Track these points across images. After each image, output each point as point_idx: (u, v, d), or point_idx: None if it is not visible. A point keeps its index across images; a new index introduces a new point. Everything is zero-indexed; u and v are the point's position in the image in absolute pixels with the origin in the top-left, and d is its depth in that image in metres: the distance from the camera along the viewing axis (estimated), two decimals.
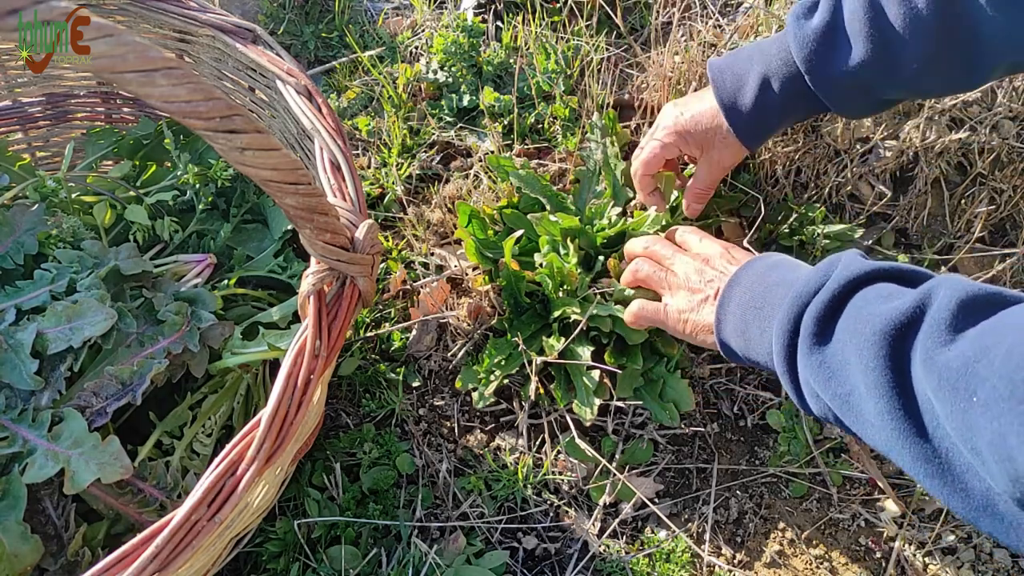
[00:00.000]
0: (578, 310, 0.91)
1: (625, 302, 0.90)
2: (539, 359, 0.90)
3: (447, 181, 1.16)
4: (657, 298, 0.85)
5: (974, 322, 0.47)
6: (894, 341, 0.51)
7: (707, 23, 1.19)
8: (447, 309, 1.02)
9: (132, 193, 0.97)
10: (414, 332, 1.01)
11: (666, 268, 0.84)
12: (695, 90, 1.07)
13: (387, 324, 1.03)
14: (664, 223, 0.95)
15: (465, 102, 1.21)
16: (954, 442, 0.47)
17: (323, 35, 1.40)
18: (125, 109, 1.08)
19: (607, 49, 1.20)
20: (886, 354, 0.50)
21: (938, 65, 0.70)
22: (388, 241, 1.11)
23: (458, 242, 1.09)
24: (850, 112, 0.80)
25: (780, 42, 0.77)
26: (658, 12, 1.23)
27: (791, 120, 0.84)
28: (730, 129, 0.83)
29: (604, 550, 0.87)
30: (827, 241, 0.99)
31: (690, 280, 0.80)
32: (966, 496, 0.47)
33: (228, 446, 0.55)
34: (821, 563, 0.87)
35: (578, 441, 0.92)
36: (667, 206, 0.97)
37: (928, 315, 0.50)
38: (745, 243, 0.87)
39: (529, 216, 0.98)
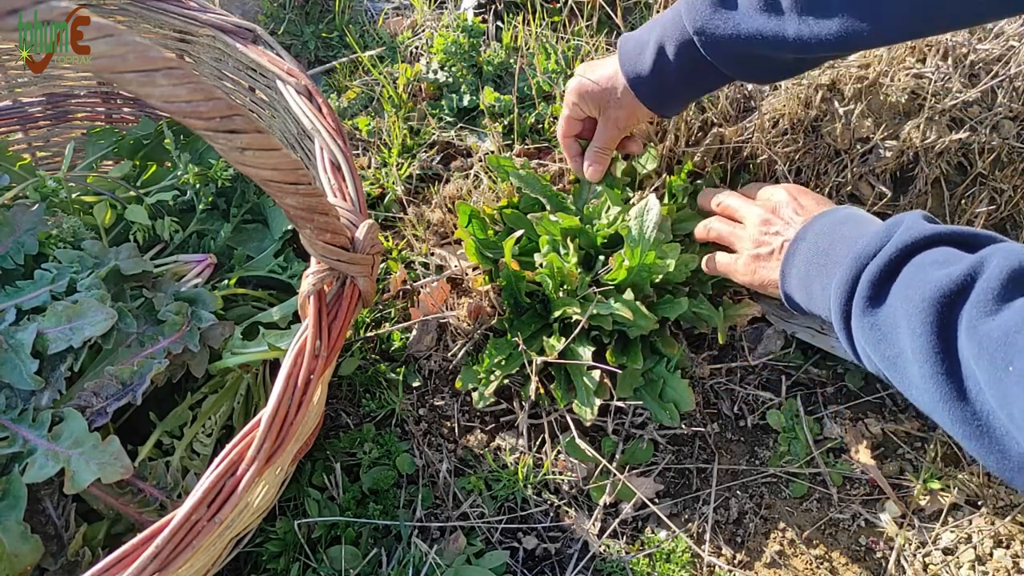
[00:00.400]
0: (578, 310, 0.91)
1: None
2: (539, 359, 0.90)
3: (447, 181, 1.16)
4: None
5: (1022, 293, 0.49)
6: (942, 308, 0.52)
7: None
8: (447, 309, 1.02)
9: (132, 193, 0.97)
10: (414, 332, 1.01)
11: (735, 223, 0.89)
12: None
13: (387, 324, 1.03)
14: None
15: (465, 102, 1.21)
16: (993, 407, 0.48)
17: (323, 35, 1.40)
18: (125, 109, 1.08)
19: (607, 49, 1.20)
20: (933, 320, 0.52)
21: (822, 24, 0.69)
22: (388, 241, 1.11)
23: (458, 242, 1.09)
24: (750, 78, 0.82)
25: (675, 8, 0.79)
26: (658, 12, 1.23)
27: (698, 87, 0.85)
28: (627, 88, 0.86)
29: (604, 550, 0.87)
30: None
31: (757, 234, 0.83)
32: (1004, 457, 0.49)
33: (228, 446, 0.55)
34: (821, 563, 0.87)
35: (578, 441, 0.92)
36: (604, 170, 1.00)
37: (978, 284, 0.51)
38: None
39: (529, 216, 0.98)
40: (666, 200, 1.01)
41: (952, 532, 0.88)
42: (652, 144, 1.10)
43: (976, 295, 0.50)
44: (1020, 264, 0.50)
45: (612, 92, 0.88)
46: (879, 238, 0.63)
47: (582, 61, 1.20)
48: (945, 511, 0.89)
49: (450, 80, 1.23)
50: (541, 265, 0.95)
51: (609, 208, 1.00)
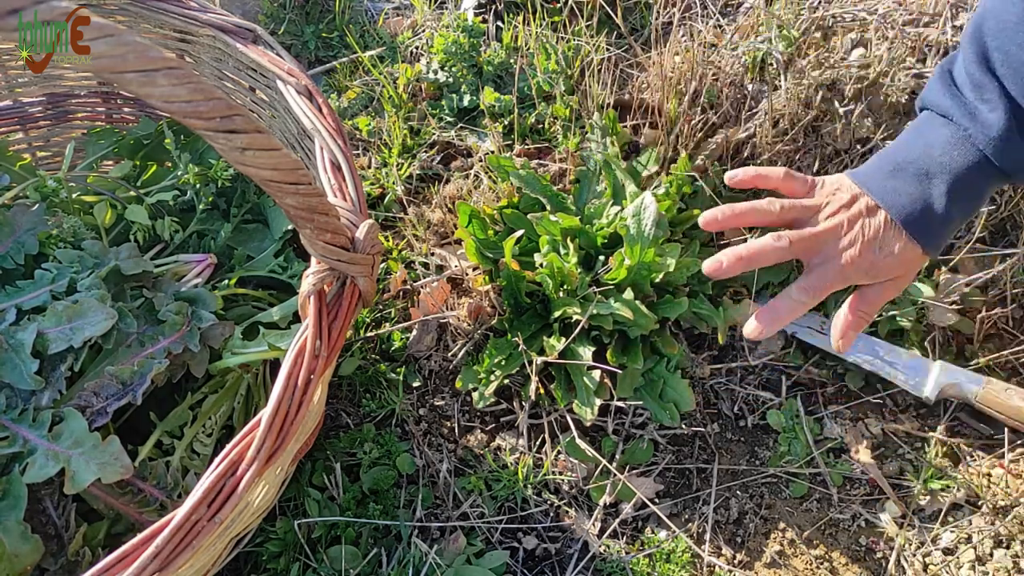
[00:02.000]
0: (578, 310, 0.91)
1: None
2: (539, 359, 0.90)
3: (447, 181, 1.16)
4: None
5: None
6: None
7: (707, 23, 1.19)
8: (447, 309, 1.02)
9: (132, 193, 0.97)
10: (414, 332, 1.01)
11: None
12: (695, 90, 1.07)
13: (387, 324, 1.03)
14: None
15: (465, 102, 1.21)
16: None
17: (323, 35, 1.40)
18: (126, 109, 1.08)
19: (607, 49, 1.20)
20: None
21: None
22: (388, 241, 1.11)
23: (458, 242, 1.09)
24: None
25: (960, 146, 0.68)
26: (658, 12, 1.23)
27: (971, 214, 0.74)
28: (912, 245, 0.70)
29: (604, 550, 0.87)
30: None
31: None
32: None
33: (228, 446, 0.55)
34: (821, 563, 0.87)
35: (578, 441, 0.92)
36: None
37: None
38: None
39: (529, 216, 0.98)
40: (667, 200, 1.01)
41: (952, 532, 0.88)
42: (653, 145, 1.10)
43: None
44: None
45: (912, 263, 0.72)
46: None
47: (582, 61, 1.20)
48: (945, 511, 0.89)
49: (450, 80, 1.23)
50: (541, 265, 0.95)
51: (609, 208, 1.00)
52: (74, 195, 0.95)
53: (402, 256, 1.09)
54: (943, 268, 1.01)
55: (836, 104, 1.04)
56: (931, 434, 0.94)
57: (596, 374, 0.91)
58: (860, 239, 0.70)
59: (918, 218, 0.69)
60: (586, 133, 1.11)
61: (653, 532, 0.90)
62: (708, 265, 0.72)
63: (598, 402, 0.89)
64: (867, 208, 0.71)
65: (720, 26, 1.20)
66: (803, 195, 0.76)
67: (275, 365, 0.86)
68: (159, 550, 0.50)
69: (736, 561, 0.88)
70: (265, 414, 0.55)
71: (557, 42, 1.23)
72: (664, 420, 0.91)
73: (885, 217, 0.70)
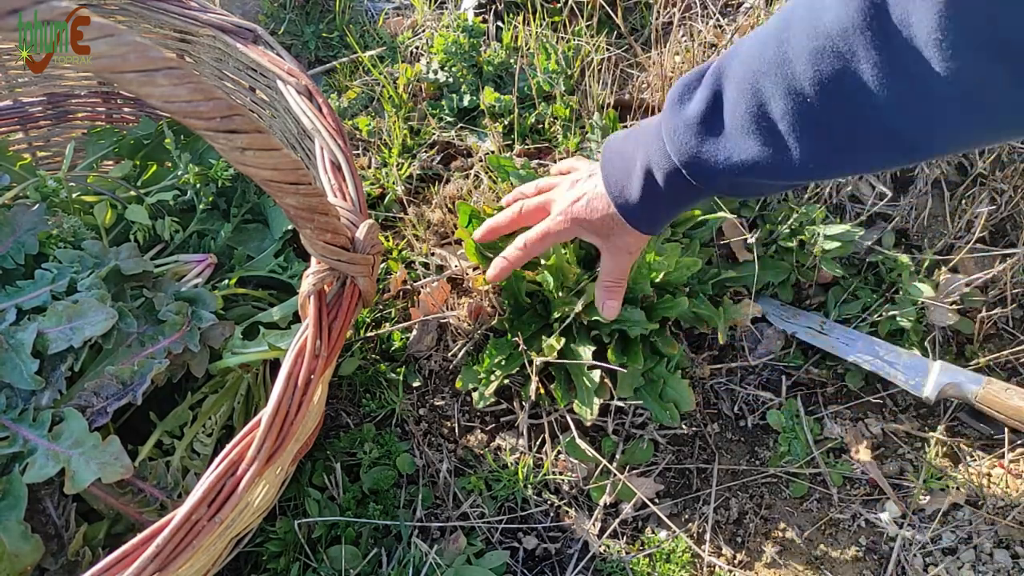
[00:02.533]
0: (579, 309, 0.91)
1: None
2: (539, 359, 0.90)
3: (447, 181, 1.16)
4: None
5: None
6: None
7: (708, 23, 1.19)
8: (447, 309, 1.02)
9: (133, 193, 0.97)
10: (414, 332, 1.01)
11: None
12: None
13: (387, 324, 1.03)
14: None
15: (465, 102, 1.21)
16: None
17: (324, 35, 1.40)
18: (126, 109, 1.08)
19: (608, 49, 1.20)
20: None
21: (836, 167, 0.61)
22: (388, 241, 1.11)
23: (458, 242, 1.09)
24: (743, 198, 0.78)
25: (657, 130, 0.70)
26: (659, 12, 1.23)
27: (687, 205, 0.76)
28: (623, 219, 0.77)
29: (604, 550, 0.87)
30: (827, 241, 0.99)
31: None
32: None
33: (228, 446, 0.55)
34: (822, 563, 0.87)
35: (578, 441, 0.92)
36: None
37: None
38: (746, 243, 0.87)
39: None
40: None
41: (952, 532, 0.88)
42: None
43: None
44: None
45: (615, 217, 0.78)
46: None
47: (582, 61, 1.20)
48: (945, 511, 0.89)
49: (450, 80, 1.23)
50: (541, 264, 0.95)
51: None
52: (74, 195, 0.95)
53: (402, 256, 1.09)
54: (943, 268, 1.01)
55: None
56: (931, 434, 0.94)
57: (596, 374, 0.91)
58: (574, 195, 0.82)
59: (621, 193, 0.76)
60: (586, 133, 1.11)
61: (653, 532, 0.90)
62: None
63: (598, 402, 0.89)
64: (591, 173, 0.82)
65: (720, 26, 1.20)
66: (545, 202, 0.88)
67: (275, 365, 0.86)
68: (159, 550, 0.50)
69: (736, 561, 0.88)
70: (265, 414, 0.55)
71: (557, 42, 1.23)
72: (664, 420, 0.91)
73: (600, 182, 0.79)
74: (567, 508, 0.91)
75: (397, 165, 1.17)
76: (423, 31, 1.35)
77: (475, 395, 0.94)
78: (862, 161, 0.59)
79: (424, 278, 1.06)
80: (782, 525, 0.90)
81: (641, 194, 0.73)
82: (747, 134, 0.60)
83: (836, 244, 0.99)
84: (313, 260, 0.62)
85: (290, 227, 0.96)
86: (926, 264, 1.01)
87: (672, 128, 0.66)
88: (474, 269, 1.04)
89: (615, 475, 0.90)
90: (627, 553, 0.87)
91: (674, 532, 0.88)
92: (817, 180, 0.67)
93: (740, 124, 0.61)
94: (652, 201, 0.74)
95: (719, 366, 1.00)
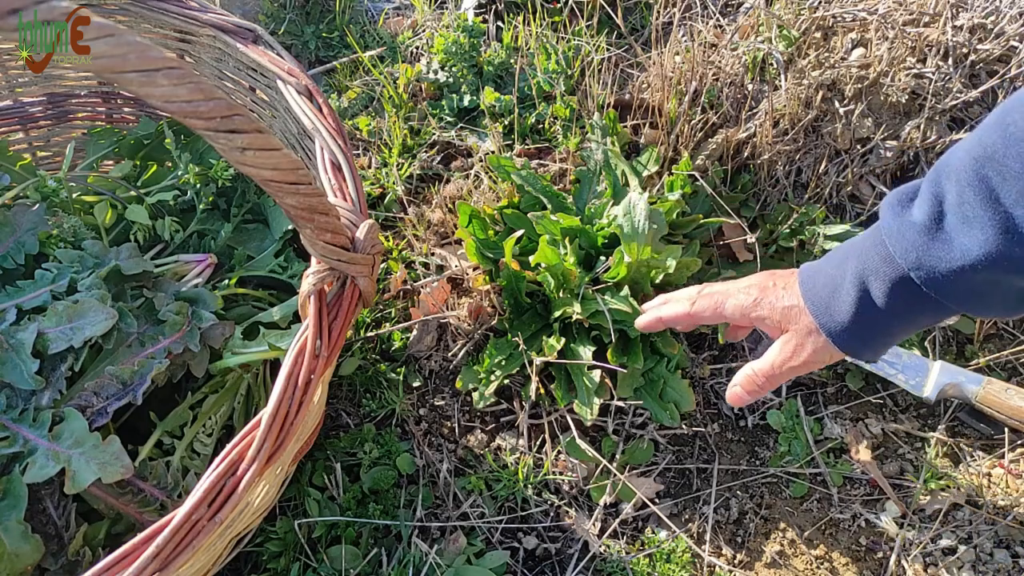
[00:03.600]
0: (579, 309, 0.91)
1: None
2: (539, 359, 0.90)
3: (448, 181, 1.16)
4: None
5: None
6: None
7: (708, 23, 1.19)
8: (447, 309, 1.02)
9: (133, 193, 0.97)
10: (414, 332, 1.01)
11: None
12: (695, 90, 1.07)
13: (387, 324, 1.03)
14: None
15: (466, 102, 1.21)
16: None
17: (324, 35, 1.40)
18: (126, 109, 1.08)
19: (608, 49, 1.20)
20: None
21: None
22: (388, 241, 1.11)
23: (459, 242, 1.09)
24: (992, 311, 0.62)
25: (875, 235, 0.63)
26: (659, 12, 1.23)
27: (912, 327, 0.66)
28: (817, 332, 0.67)
29: (604, 550, 0.87)
30: (828, 242, 0.99)
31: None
32: None
33: (228, 446, 0.55)
34: (821, 563, 0.87)
35: (578, 441, 0.92)
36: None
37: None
38: (747, 243, 0.87)
39: (530, 216, 0.98)
40: (668, 202, 1.01)
41: (952, 532, 0.88)
42: (653, 145, 1.10)
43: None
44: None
45: (794, 324, 0.69)
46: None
47: (582, 61, 1.20)
48: (945, 511, 0.89)
49: (450, 80, 1.23)
50: (539, 265, 0.95)
51: (610, 208, 1.00)
52: (74, 195, 0.95)
53: (402, 256, 1.09)
54: None
55: (836, 104, 1.04)
56: (931, 434, 0.94)
57: (596, 374, 0.91)
58: (767, 299, 0.71)
59: (827, 310, 0.66)
60: (586, 133, 1.11)
61: (653, 532, 0.90)
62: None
63: (598, 402, 0.89)
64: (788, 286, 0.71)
65: (720, 26, 1.20)
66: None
67: (275, 365, 0.86)
68: (159, 550, 0.50)
69: (736, 561, 0.88)
70: (265, 414, 0.55)
71: (557, 42, 1.23)
72: (664, 420, 0.91)
73: (800, 297, 0.69)
74: (567, 508, 0.91)
75: (397, 165, 1.17)
76: (423, 31, 1.35)
77: (475, 395, 0.94)
78: None
79: (424, 278, 1.06)
80: (782, 525, 0.90)
81: (855, 309, 0.64)
82: (980, 225, 0.55)
83: (836, 244, 0.99)
84: (313, 260, 0.62)
85: (290, 227, 0.96)
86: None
87: (894, 230, 0.60)
88: (474, 269, 1.04)
89: (615, 475, 0.90)
90: (627, 553, 0.87)
91: (674, 532, 0.88)
92: None
93: (971, 215, 0.55)
94: (867, 318, 0.64)
95: (719, 366, 1.00)
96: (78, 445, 0.67)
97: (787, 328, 0.69)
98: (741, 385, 0.74)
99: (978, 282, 0.58)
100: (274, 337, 0.82)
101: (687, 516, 0.91)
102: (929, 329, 1.00)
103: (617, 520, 0.89)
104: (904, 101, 1.02)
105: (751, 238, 0.94)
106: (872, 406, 0.98)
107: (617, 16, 1.17)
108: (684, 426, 0.96)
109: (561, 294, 0.95)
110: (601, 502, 0.90)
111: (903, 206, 0.60)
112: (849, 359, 0.67)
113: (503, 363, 0.95)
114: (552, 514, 0.90)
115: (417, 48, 1.33)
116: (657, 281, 0.94)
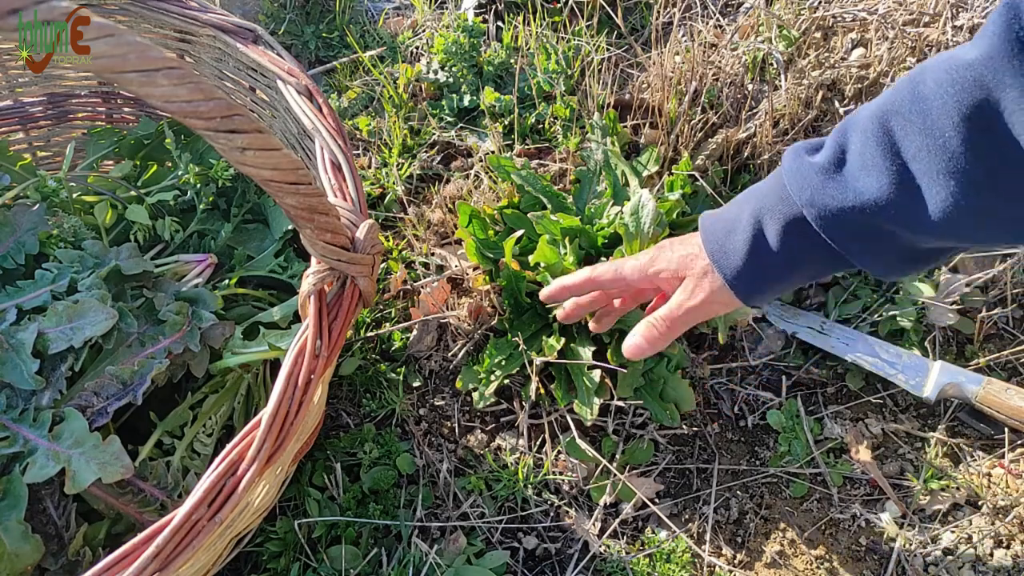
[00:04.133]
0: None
1: None
2: (539, 359, 0.91)
3: (448, 181, 1.16)
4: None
5: None
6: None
7: (708, 23, 1.19)
8: (447, 309, 1.02)
9: (133, 193, 0.97)
10: (414, 332, 1.01)
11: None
12: (695, 90, 1.07)
13: (387, 324, 1.03)
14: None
15: (466, 102, 1.21)
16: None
17: (324, 35, 1.40)
18: (126, 109, 1.08)
19: (608, 49, 1.20)
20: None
21: (979, 216, 0.54)
22: (389, 241, 1.11)
23: (459, 242, 1.09)
24: (876, 265, 0.62)
25: (775, 178, 0.64)
26: (659, 12, 1.23)
27: (802, 274, 0.66)
28: (713, 273, 0.68)
29: (605, 550, 0.87)
30: None
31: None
32: None
33: (229, 446, 0.55)
34: (822, 563, 0.87)
35: (578, 441, 0.92)
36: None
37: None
38: None
39: (530, 215, 0.98)
40: (669, 203, 1.01)
41: (952, 532, 0.88)
42: (653, 145, 1.10)
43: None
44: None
45: (690, 270, 0.70)
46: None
47: (582, 61, 1.20)
48: (945, 511, 0.89)
49: (450, 80, 1.23)
50: (539, 265, 0.95)
51: (610, 208, 1.00)
52: (74, 195, 0.95)
53: (402, 256, 1.09)
54: (943, 268, 1.01)
55: (836, 104, 1.04)
56: (931, 434, 0.94)
57: (596, 374, 0.91)
58: (663, 255, 0.72)
59: (719, 240, 0.67)
60: (586, 133, 1.11)
61: (653, 532, 0.90)
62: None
63: (598, 402, 0.89)
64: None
65: (720, 26, 1.20)
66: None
67: (275, 365, 0.86)
68: (159, 550, 0.50)
69: (736, 561, 0.88)
70: (265, 414, 0.55)
71: (557, 42, 1.23)
72: (664, 420, 0.91)
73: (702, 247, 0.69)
74: (567, 508, 0.91)
75: (397, 165, 1.17)
76: (423, 31, 1.35)
77: (475, 395, 0.94)
78: (1006, 216, 0.53)
79: (424, 278, 1.06)
80: (782, 525, 0.90)
81: (748, 248, 0.64)
82: (877, 171, 0.56)
83: None
84: (313, 260, 0.62)
85: (290, 227, 0.96)
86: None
87: (794, 170, 0.61)
88: (474, 269, 1.04)
89: (615, 475, 0.90)
90: (627, 553, 0.87)
91: (674, 532, 0.88)
92: (961, 242, 0.58)
93: (870, 162, 0.56)
94: (760, 258, 0.64)
95: (719, 366, 1.00)
96: (78, 445, 0.67)
97: (684, 275, 0.70)
98: (642, 335, 0.73)
99: (867, 227, 0.58)
100: (274, 337, 0.82)
101: (687, 516, 0.92)
102: (929, 329, 1.00)
103: (617, 520, 0.89)
104: None
105: None
106: (872, 406, 0.98)
107: (617, 16, 1.17)
108: (684, 426, 0.96)
109: None
110: (601, 502, 0.91)
111: (807, 152, 0.62)
112: (746, 304, 0.68)
113: (503, 363, 0.95)
114: (552, 514, 0.90)
115: (417, 48, 1.33)
116: None
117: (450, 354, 1.00)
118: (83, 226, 0.90)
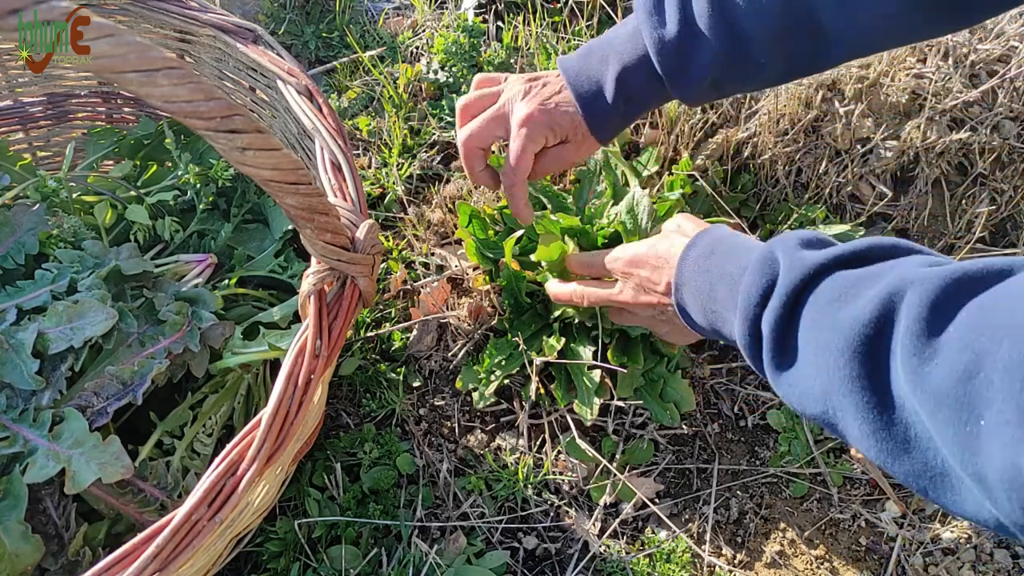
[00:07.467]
0: (578, 311, 0.91)
1: None
2: (539, 359, 0.90)
3: (448, 181, 1.16)
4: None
5: (952, 315, 0.43)
6: (866, 358, 0.47)
7: None
8: (447, 309, 1.02)
9: (133, 193, 0.97)
10: (414, 332, 1.01)
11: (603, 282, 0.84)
12: None
13: (387, 324, 1.03)
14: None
15: None
16: (950, 463, 0.43)
17: (324, 35, 1.40)
18: (126, 109, 1.08)
19: None
20: (860, 374, 0.47)
21: (783, 56, 0.68)
22: (389, 241, 1.11)
23: (459, 242, 1.09)
24: (695, 102, 0.77)
25: (634, 41, 0.73)
26: None
27: (639, 113, 0.79)
28: (581, 119, 0.77)
29: (604, 550, 0.87)
30: None
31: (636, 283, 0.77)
32: (961, 504, 0.44)
33: (229, 446, 0.55)
34: (821, 563, 0.87)
35: (578, 441, 0.92)
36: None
37: (900, 325, 0.45)
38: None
39: None
40: (669, 203, 1.01)
41: (952, 532, 0.88)
42: (653, 145, 1.10)
43: (903, 339, 0.44)
44: (935, 294, 0.44)
45: (580, 126, 0.78)
46: (762, 281, 0.56)
47: None
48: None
49: (451, 80, 1.23)
50: (540, 265, 0.95)
51: (610, 208, 1.00)
52: (74, 195, 0.95)
53: (402, 256, 1.09)
54: None
55: (836, 104, 1.04)
56: None
57: (596, 374, 0.91)
58: (538, 96, 0.79)
59: (587, 95, 0.76)
60: None
61: (653, 532, 0.90)
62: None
63: (598, 402, 0.89)
64: (557, 81, 0.79)
65: None
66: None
67: (275, 365, 0.86)
68: (159, 550, 0.50)
69: (736, 561, 0.88)
70: (265, 414, 0.55)
71: (557, 42, 1.23)
72: (664, 420, 0.91)
73: (565, 89, 0.77)
74: (567, 508, 0.91)
75: (397, 165, 1.17)
76: (423, 31, 1.35)
77: (475, 395, 0.94)
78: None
79: (424, 278, 1.06)
80: (782, 525, 0.90)
81: (614, 101, 0.74)
82: (716, 37, 0.67)
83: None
84: (313, 260, 0.62)
85: (290, 227, 0.96)
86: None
87: (657, 43, 0.70)
88: (474, 269, 1.04)
89: (615, 475, 0.90)
90: (627, 553, 0.87)
91: (674, 532, 0.88)
92: (762, 83, 0.73)
93: (708, 27, 0.67)
94: (618, 106, 0.75)
95: (719, 366, 1.00)
96: (78, 445, 0.67)
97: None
98: (520, 182, 0.82)
99: (707, 84, 0.71)
100: (274, 337, 0.82)
101: (687, 516, 0.91)
102: None
103: (617, 520, 0.89)
104: (904, 101, 1.03)
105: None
106: None
107: (617, 16, 1.17)
108: (684, 426, 0.96)
109: None
110: (601, 502, 0.91)
111: (656, 13, 0.70)
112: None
113: (503, 363, 0.95)
114: (552, 514, 0.90)
115: (417, 48, 1.33)
116: None
117: (450, 354, 1.00)
118: (83, 226, 0.90)
